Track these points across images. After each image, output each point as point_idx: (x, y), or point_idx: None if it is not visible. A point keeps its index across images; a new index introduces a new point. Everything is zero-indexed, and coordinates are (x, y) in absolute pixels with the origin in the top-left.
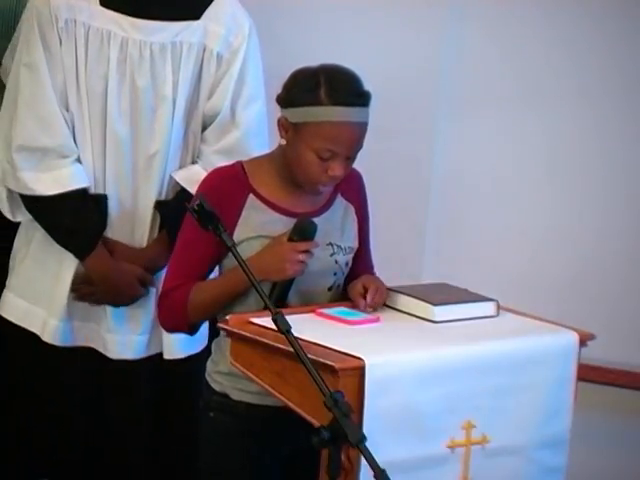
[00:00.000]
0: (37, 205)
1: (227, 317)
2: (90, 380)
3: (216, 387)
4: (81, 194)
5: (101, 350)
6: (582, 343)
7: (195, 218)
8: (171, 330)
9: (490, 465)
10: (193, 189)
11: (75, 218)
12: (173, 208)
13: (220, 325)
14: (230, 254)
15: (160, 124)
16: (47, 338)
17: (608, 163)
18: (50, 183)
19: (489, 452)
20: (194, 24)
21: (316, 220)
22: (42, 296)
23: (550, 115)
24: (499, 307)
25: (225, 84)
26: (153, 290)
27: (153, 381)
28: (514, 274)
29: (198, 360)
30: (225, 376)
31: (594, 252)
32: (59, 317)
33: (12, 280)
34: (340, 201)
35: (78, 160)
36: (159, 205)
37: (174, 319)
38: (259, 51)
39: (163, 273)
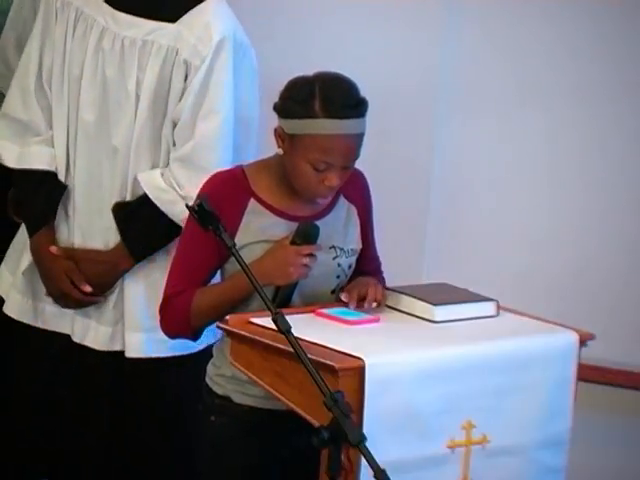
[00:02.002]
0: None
1: (227, 317)
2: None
3: (218, 390)
4: (39, 176)
5: (68, 332)
6: (582, 343)
7: (195, 218)
8: (174, 336)
9: (490, 465)
10: (151, 192)
11: (27, 197)
12: (129, 210)
13: (220, 325)
14: (232, 259)
15: (124, 118)
16: (7, 309)
17: (608, 163)
18: (15, 156)
19: (489, 452)
20: (168, 26)
21: (318, 223)
22: (11, 264)
23: (549, 115)
24: (499, 307)
25: (188, 92)
26: (117, 285)
27: (115, 381)
28: (514, 274)
29: (166, 366)
30: (228, 379)
31: (594, 252)
32: (19, 289)
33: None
34: (342, 203)
35: (49, 142)
36: (116, 206)
37: (177, 325)
38: (235, 66)
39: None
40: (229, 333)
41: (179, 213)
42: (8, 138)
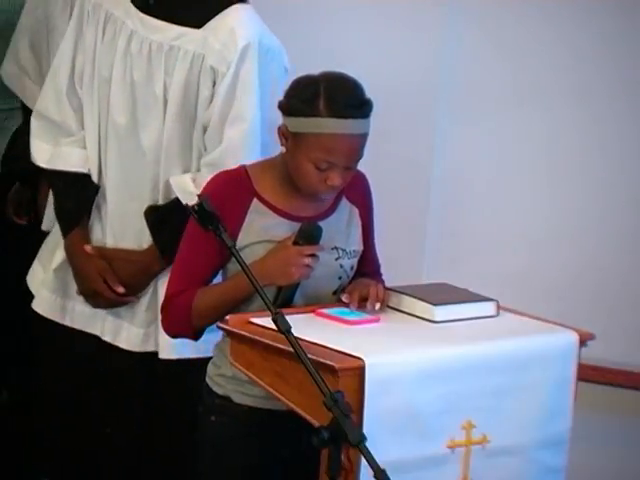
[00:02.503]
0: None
1: (227, 317)
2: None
3: (218, 390)
4: (70, 177)
5: (97, 332)
6: (582, 343)
7: (195, 218)
8: (175, 335)
9: (490, 465)
10: (182, 197)
11: (59, 197)
12: (160, 214)
13: (220, 325)
14: (234, 259)
15: (153, 122)
16: (35, 305)
17: (608, 163)
18: (48, 156)
19: (489, 452)
20: (194, 32)
21: (321, 224)
22: (44, 261)
23: (550, 115)
24: (499, 307)
25: (215, 98)
26: (150, 287)
27: (147, 382)
28: (514, 274)
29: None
30: (228, 379)
31: (594, 252)
32: (48, 286)
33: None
34: (345, 204)
35: (81, 142)
36: (149, 209)
37: (178, 324)
38: (262, 70)
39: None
40: (229, 333)
41: None
42: (41, 138)
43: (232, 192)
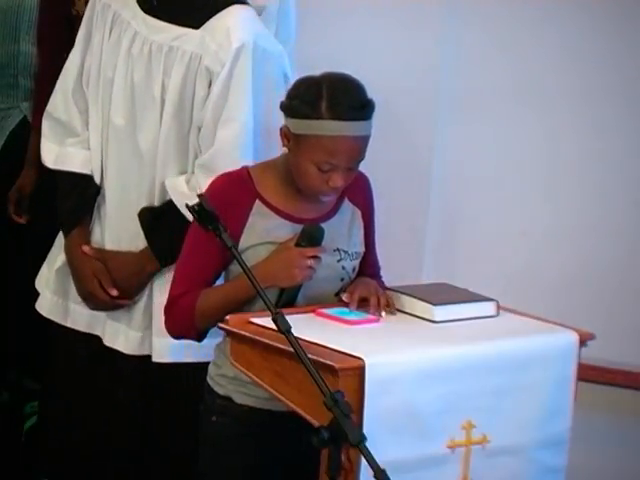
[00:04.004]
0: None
1: (227, 317)
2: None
3: (219, 390)
4: (73, 177)
5: (99, 334)
6: (582, 343)
7: (195, 218)
8: (179, 337)
9: (490, 465)
10: (176, 199)
11: (61, 197)
12: (154, 216)
13: (220, 325)
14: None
15: (150, 123)
16: (38, 305)
17: (607, 164)
18: (54, 157)
19: (489, 452)
20: (192, 33)
21: (323, 226)
22: (50, 262)
23: (549, 116)
24: (499, 307)
25: (209, 99)
26: (146, 290)
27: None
28: (514, 274)
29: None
30: (229, 380)
31: (594, 252)
32: (50, 287)
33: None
34: (347, 206)
35: (85, 143)
36: (143, 211)
37: (181, 326)
38: (256, 72)
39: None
40: (229, 333)
41: None
42: (49, 138)
43: (234, 194)
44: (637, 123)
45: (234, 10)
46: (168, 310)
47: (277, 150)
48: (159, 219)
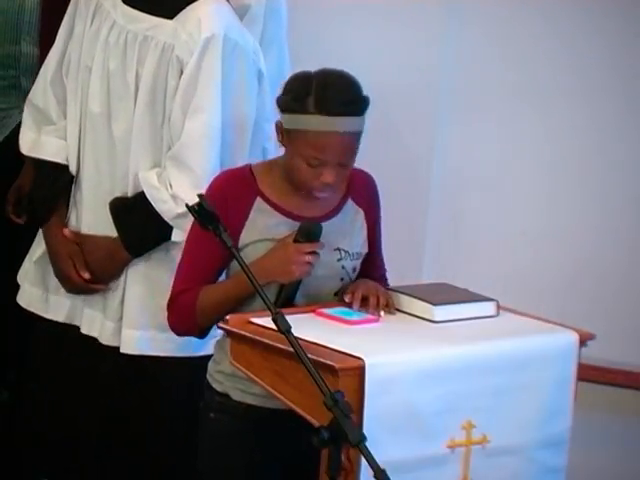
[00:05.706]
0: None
1: (227, 317)
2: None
3: (217, 387)
4: (46, 166)
5: (78, 324)
6: (582, 343)
7: (195, 218)
8: (181, 333)
9: (490, 465)
10: (148, 191)
11: (34, 185)
12: (124, 206)
13: (220, 325)
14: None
15: (124, 112)
16: (19, 297)
17: (608, 163)
18: (30, 144)
19: (489, 452)
20: (166, 23)
21: (324, 224)
22: (31, 254)
23: (550, 115)
24: (499, 307)
25: (178, 90)
26: (122, 281)
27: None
28: (514, 274)
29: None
30: (227, 376)
31: (594, 252)
32: (29, 279)
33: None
34: (350, 206)
35: (61, 132)
36: (114, 201)
37: (184, 323)
38: (227, 65)
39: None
40: (229, 333)
41: (167, 211)
42: (27, 125)
43: (236, 190)
44: (637, 123)
45: (207, 1)
46: (170, 307)
47: (248, 143)
48: (130, 210)
